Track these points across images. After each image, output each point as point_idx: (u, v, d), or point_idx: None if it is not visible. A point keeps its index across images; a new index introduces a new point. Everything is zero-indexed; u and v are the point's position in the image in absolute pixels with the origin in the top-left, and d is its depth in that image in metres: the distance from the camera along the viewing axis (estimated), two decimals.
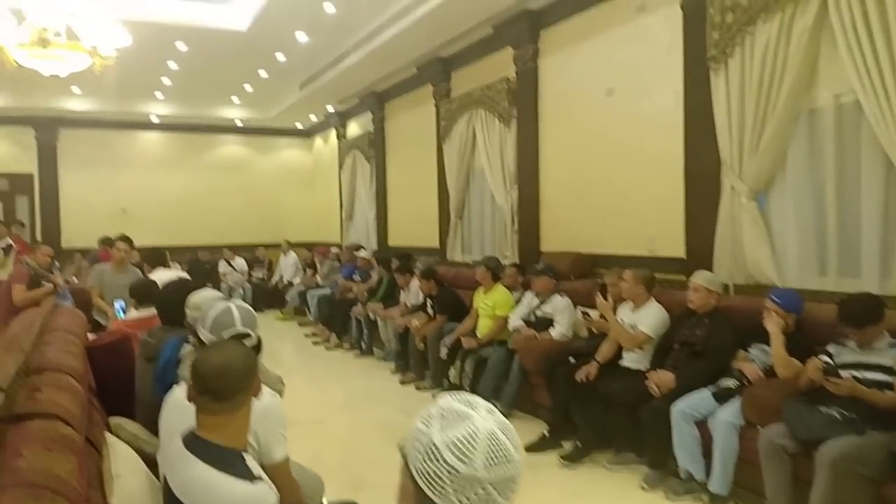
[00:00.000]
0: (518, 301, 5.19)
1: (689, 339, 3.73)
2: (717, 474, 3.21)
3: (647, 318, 3.99)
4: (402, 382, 5.94)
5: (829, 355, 3.02)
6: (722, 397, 3.36)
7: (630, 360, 4.05)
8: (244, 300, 9.95)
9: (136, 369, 2.98)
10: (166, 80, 9.16)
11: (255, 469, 1.55)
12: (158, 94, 10.12)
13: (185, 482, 1.49)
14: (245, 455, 1.56)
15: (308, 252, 10.81)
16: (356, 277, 8.33)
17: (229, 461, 1.50)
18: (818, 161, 3.81)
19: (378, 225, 9.48)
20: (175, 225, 10.98)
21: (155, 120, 11.20)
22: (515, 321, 4.99)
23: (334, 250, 9.81)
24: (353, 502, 2.58)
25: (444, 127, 7.35)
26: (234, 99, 10.70)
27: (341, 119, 10.83)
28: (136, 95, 10.07)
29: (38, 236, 10.13)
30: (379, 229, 9.47)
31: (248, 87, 9.79)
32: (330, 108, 10.62)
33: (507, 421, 1.01)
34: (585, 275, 5.28)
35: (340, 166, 10.80)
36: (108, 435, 2.01)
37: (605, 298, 4.21)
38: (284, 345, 8.00)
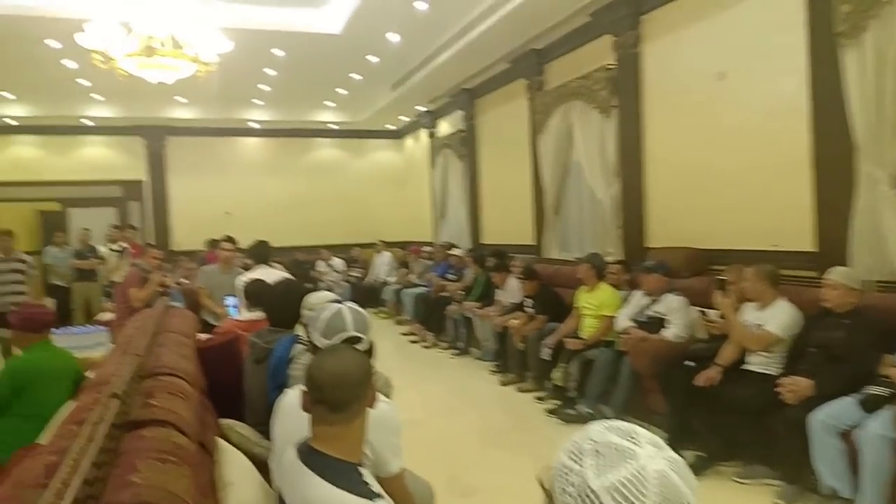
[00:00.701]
0: (625, 300, 4.91)
1: (827, 341, 3.35)
2: (868, 493, 2.85)
3: (776, 317, 3.63)
4: (503, 384, 5.78)
5: None
6: (870, 406, 2.99)
7: (756, 363, 3.71)
8: (343, 299, 10.29)
9: (244, 371, 2.98)
10: (264, 87, 9.44)
11: (374, 485, 1.44)
12: (257, 101, 10.48)
13: (303, 500, 1.41)
14: (362, 469, 1.46)
15: (402, 251, 10.88)
16: (450, 276, 8.28)
17: (347, 476, 1.41)
18: None
19: (471, 223, 9.37)
20: (274, 226, 11.25)
21: (254, 126, 11.61)
22: (624, 321, 4.72)
23: (426, 249, 9.81)
24: None
25: (539, 121, 7.13)
26: (328, 103, 10.91)
27: (432, 118, 10.81)
28: (237, 103, 10.49)
29: (150, 240, 10.69)
30: (472, 227, 9.36)
31: (341, 91, 9.95)
32: (420, 108, 10.63)
33: (677, 456, 0.84)
34: (700, 272, 4.92)
35: (432, 165, 10.79)
36: (220, 441, 1.97)
37: (725, 297, 3.89)
38: (382, 343, 7.88)
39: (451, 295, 7.65)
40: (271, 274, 4.62)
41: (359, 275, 11.13)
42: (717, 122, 4.92)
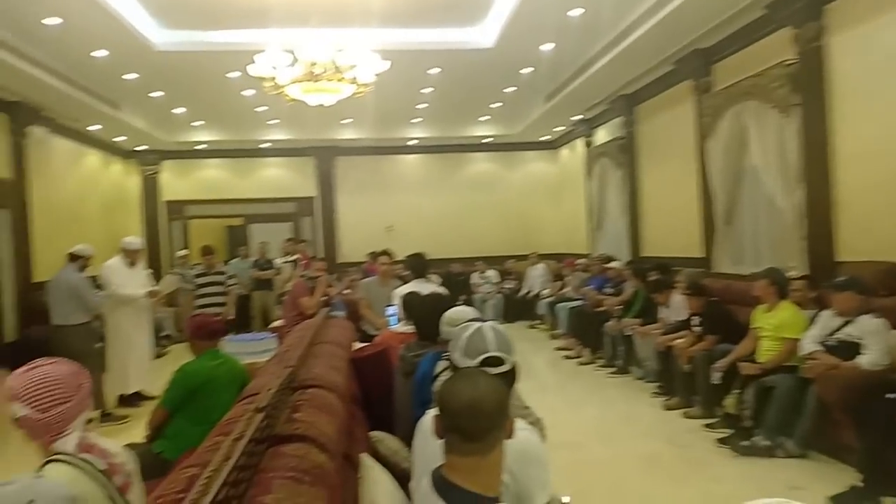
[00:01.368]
0: (812, 321, 4.33)
1: None
2: None
3: None
4: (667, 408, 5.35)
5: None
6: None
7: None
8: (496, 311, 10.27)
9: (395, 383, 2.99)
10: (421, 105, 9.73)
11: None
12: (415, 120, 10.84)
13: None
14: None
15: (557, 263, 10.64)
16: (607, 290, 7.91)
17: None
18: None
19: (630, 234, 8.91)
20: (432, 239, 11.53)
21: (413, 143, 12.01)
22: (810, 345, 4.16)
23: (581, 261, 9.49)
24: None
25: (706, 124, 6.60)
26: (483, 117, 11.01)
27: (588, 127, 10.48)
28: (397, 122, 10.92)
29: (320, 252, 11.42)
30: (631, 239, 8.89)
31: (495, 105, 9.98)
32: (576, 117, 10.35)
33: None
34: None
35: (588, 175, 10.44)
36: (365, 457, 1.94)
37: None
38: (535, 358, 7.85)
39: (609, 310, 7.29)
40: (426, 287, 4.65)
41: (512, 286, 11.05)
42: None
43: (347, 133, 11.15)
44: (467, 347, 1.83)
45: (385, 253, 5.73)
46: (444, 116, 10.69)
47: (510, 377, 1.82)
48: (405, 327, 4.05)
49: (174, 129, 10.45)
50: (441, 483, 1.36)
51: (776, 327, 4.44)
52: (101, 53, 6.56)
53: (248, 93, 8.24)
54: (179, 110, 9.38)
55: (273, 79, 5.13)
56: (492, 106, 10.03)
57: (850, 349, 3.94)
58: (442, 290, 4.25)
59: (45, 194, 8.06)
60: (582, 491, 2.69)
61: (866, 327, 3.93)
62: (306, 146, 11.58)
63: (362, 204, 12.13)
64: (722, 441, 4.38)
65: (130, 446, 2.65)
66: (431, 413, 1.89)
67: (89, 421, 1.81)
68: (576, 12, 6.05)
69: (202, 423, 2.79)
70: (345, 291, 7.38)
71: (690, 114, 7.13)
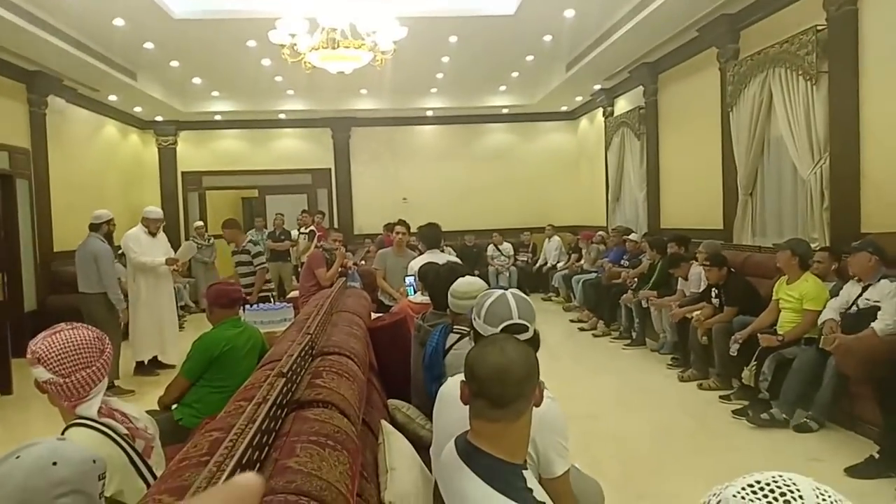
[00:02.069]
0: (835, 293, 4.26)
1: None
2: None
3: None
4: (682, 380, 5.34)
5: None
6: None
7: None
8: (509, 283, 10.26)
9: (411, 352, 2.99)
10: (439, 75, 9.61)
11: (538, 491, 1.31)
12: (433, 90, 10.72)
13: (460, 498, 1.31)
14: (525, 473, 1.33)
15: (573, 236, 10.57)
16: (625, 262, 7.86)
17: (507, 479, 1.28)
18: None
19: (649, 206, 8.80)
20: (448, 211, 11.51)
21: (430, 114, 11.90)
22: (829, 312, 4.10)
23: (599, 234, 9.41)
24: None
25: (731, 93, 6.45)
26: (501, 87, 10.86)
27: (609, 97, 10.31)
28: (414, 92, 10.81)
29: (336, 224, 11.43)
30: (650, 210, 8.79)
31: (514, 74, 9.83)
32: (596, 87, 10.18)
33: None
34: None
35: (607, 146, 10.30)
36: (384, 424, 1.95)
37: None
38: (550, 330, 7.84)
39: (625, 282, 7.25)
40: (441, 257, 4.64)
41: (526, 259, 11.01)
42: None
43: (364, 103, 11.06)
44: (488, 314, 1.81)
45: (400, 223, 5.71)
46: (462, 86, 10.56)
47: (533, 345, 1.80)
48: (423, 297, 4.05)
49: (191, 99, 10.43)
50: (466, 448, 1.36)
51: (797, 299, 4.39)
52: (120, 22, 6.53)
53: (266, 62, 8.18)
54: (196, 80, 9.36)
55: (293, 46, 5.08)
56: (511, 75, 9.89)
57: (870, 316, 3.86)
58: (456, 260, 4.22)
59: (64, 165, 8.12)
60: (597, 460, 2.70)
61: (884, 290, 3.87)
62: (322, 117, 11.51)
63: (378, 175, 12.08)
64: (737, 413, 4.37)
65: (152, 413, 2.69)
66: (452, 380, 1.89)
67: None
68: None
69: (222, 390, 2.83)
70: (361, 262, 7.39)
71: (714, 82, 6.97)
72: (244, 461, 1.03)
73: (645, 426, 4.35)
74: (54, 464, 1.17)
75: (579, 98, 11.22)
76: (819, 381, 4.05)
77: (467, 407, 1.41)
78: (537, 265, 10.80)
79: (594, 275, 8.41)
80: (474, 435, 1.37)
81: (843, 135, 5.04)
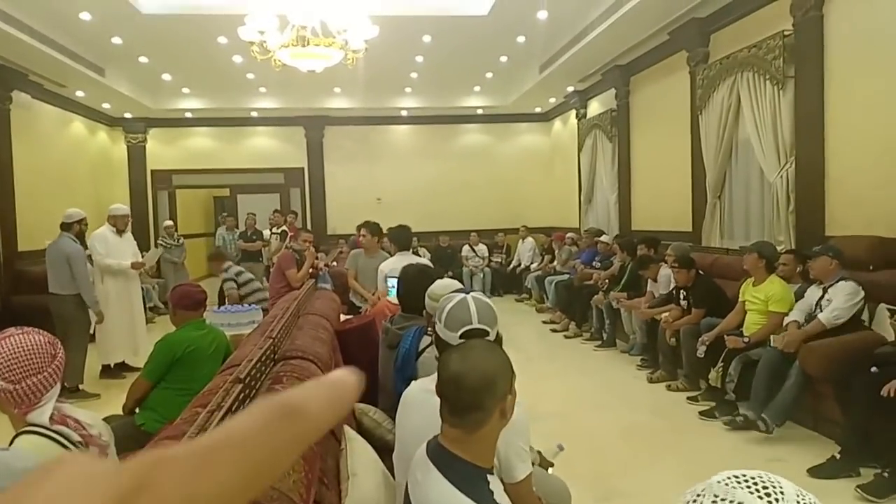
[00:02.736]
0: (800, 296, 4.34)
1: None
2: None
3: None
4: (651, 381, 5.39)
5: None
6: None
7: None
8: (483, 284, 10.28)
9: (379, 356, 2.97)
10: (414, 75, 9.58)
11: (501, 496, 1.31)
12: (407, 89, 10.69)
13: (425, 497, 1.31)
14: (490, 477, 1.33)
15: (546, 237, 10.63)
16: (596, 264, 7.92)
17: (473, 482, 1.30)
18: None
19: (620, 208, 8.89)
20: (423, 211, 11.51)
21: (404, 114, 11.87)
22: (794, 315, 4.19)
23: (570, 235, 9.48)
24: None
25: (701, 96, 6.53)
26: (476, 87, 10.87)
27: (582, 99, 10.38)
28: (388, 91, 10.76)
29: (308, 224, 11.33)
30: (621, 212, 8.87)
31: (488, 75, 9.85)
32: (570, 89, 10.25)
33: None
34: (891, 264, 4.23)
35: (580, 148, 10.37)
36: (347, 429, 1.93)
37: None
38: (523, 330, 7.88)
39: (597, 283, 7.30)
40: (411, 259, 4.61)
41: (500, 260, 11.05)
42: None
43: (338, 102, 10.98)
44: (449, 319, 1.80)
45: (365, 224, 5.61)
46: (436, 86, 10.55)
47: None
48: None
49: (161, 96, 10.26)
50: (435, 449, 1.37)
51: (763, 301, 4.46)
52: (87, 17, 6.39)
53: (237, 59, 8.08)
54: (166, 77, 9.20)
55: (262, 43, 5.02)
56: (485, 76, 9.90)
57: None
58: (428, 263, 4.20)
59: (30, 162, 7.92)
60: (567, 459, 2.72)
61: (839, 288, 3.98)
62: (295, 115, 11.40)
63: (352, 175, 12.00)
64: (704, 413, 4.43)
65: (111, 419, 2.64)
66: (415, 385, 1.87)
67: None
68: None
69: (185, 394, 2.77)
70: (332, 263, 7.33)
71: (685, 85, 7.05)
72: None
73: (614, 426, 4.39)
74: None
75: (553, 100, 11.28)
76: (784, 382, 4.11)
77: (431, 411, 1.41)
78: (511, 266, 10.84)
79: (566, 276, 8.46)
80: (443, 437, 1.39)
81: (808, 139, 5.14)
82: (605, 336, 6.85)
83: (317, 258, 6.08)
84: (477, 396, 1.31)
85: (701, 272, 5.41)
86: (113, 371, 5.91)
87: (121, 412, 3.07)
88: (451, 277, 2.79)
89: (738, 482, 0.67)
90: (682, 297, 5.40)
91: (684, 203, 7.13)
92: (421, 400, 1.72)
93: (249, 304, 4.85)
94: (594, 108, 10.05)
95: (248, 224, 9.67)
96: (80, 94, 9.01)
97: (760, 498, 0.65)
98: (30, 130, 8.05)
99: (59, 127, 9.21)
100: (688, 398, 4.84)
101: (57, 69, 7.59)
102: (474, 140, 12.58)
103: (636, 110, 8.57)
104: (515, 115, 12.21)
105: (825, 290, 4.09)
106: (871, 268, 4.29)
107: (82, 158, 9.83)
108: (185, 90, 10.15)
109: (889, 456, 3.20)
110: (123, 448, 2.03)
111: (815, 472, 3.41)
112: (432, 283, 2.64)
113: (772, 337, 4.23)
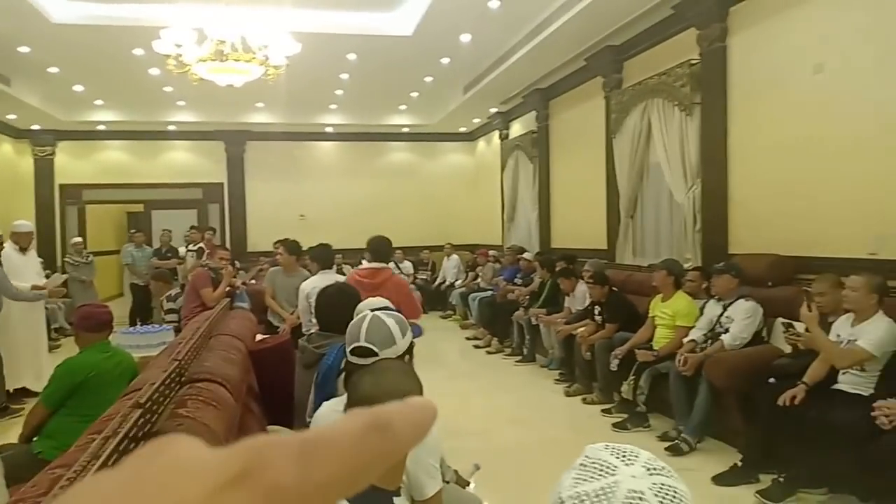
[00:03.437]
0: (702, 311, 4.59)
1: None
2: None
3: (872, 332, 3.26)
4: (568, 394, 5.54)
5: None
6: None
7: (847, 382, 3.35)
8: None
9: (295, 375, 2.93)
10: (339, 92, 9.55)
11: None
12: (332, 106, 10.63)
13: None
14: (397, 500, 1.34)
15: (471, 254, 10.77)
16: (518, 280, 8.09)
17: None
18: None
19: (541, 226, 9.14)
20: (348, 229, 11.38)
21: (329, 130, 11.79)
22: (696, 333, 4.42)
23: (493, 253, 9.66)
24: None
25: (615, 120, 6.83)
26: (402, 106, 10.94)
27: (504, 120, 10.65)
28: (313, 108, 10.65)
29: (227, 241, 11.03)
30: (542, 231, 9.13)
31: (414, 94, 9.94)
32: (492, 110, 10.49)
33: (674, 485, 0.78)
34: (787, 281, 4.54)
35: (503, 168, 10.61)
36: None
37: (810, 308, 3.53)
38: (448, 347, 7.93)
39: (518, 299, 7.46)
40: (332, 278, 4.56)
41: (426, 277, 11.10)
42: (813, 120, 4.52)
43: (260, 117, 10.79)
44: (348, 335, 1.81)
45: (282, 242, 5.50)
46: (362, 104, 10.53)
47: None
48: None
49: (72, 108, 9.77)
50: None
51: (671, 316, 4.69)
52: None
53: (154, 72, 7.82)
54: (78, 88, 8.78)
55: (178, 57, 4.89)
56: (410, 95, 9.99)
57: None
58: (344, 280, 4.17)
59: None
60: (490, 475, 2.77)
61: (738, 308, 4.23)
62: (215, 129, 11.13)
63: (274, 191, 11.79)
64: (617, 426, 4.59)
65: (5, 447, 2.48)
66: (326, 406, 1.87)
67: None
68: (494, 3, 6.10)
69: (86, 420, 2.63)
70: (251, 281, 7.16)
71: (600, 109, 7.35)
72: None
73: (534, 440, 4.48)
74: None
75: (477, 120, 11.50)
76: (694, 395, 4.30)
77: None
78: (436, 283, 10.90)
79: (490, 293, 8.59)
80: None
81: (712, 163, 5.45)
82: (525, 351, 6.98)
83: (234, 276, 5.92)
84: None
85: (614, 288, 5.63)
86: (13, 396, 5.53)
87: (16, 441, 2.88)
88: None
89: (605, 448, 0.84)
90: (596, 312, 5.59)
91: (600, 222, 7.40)
92: (332, 419, 1.72)
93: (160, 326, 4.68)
94: (516, 129, 10.32)
95: (162, 241, 9.31)
96: None
97: (618, 458, 0.81)
98: None
99: None
100: (602, 410, 5.00)
101: None
102: (400, 158, 12.64)
103: (555, 132, 8.85)
104: (440, 135, 12.36)
105: (725, 308, 4.34)
106: (769, 284, 4.58)
107: None
108: (99, 102, 9.72)
109: (786, 462, 3.41)
110: (18, 478, 1.91)
111: (719, 479, 3.57)
112: (351, 300, 2.65)
113: (677, 358, 4.40)
